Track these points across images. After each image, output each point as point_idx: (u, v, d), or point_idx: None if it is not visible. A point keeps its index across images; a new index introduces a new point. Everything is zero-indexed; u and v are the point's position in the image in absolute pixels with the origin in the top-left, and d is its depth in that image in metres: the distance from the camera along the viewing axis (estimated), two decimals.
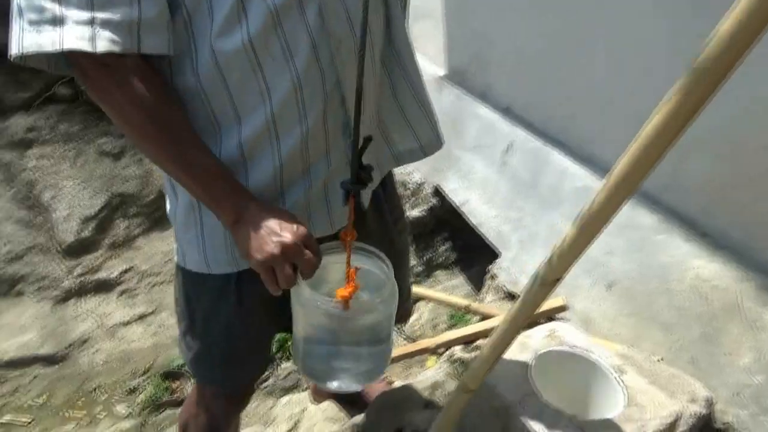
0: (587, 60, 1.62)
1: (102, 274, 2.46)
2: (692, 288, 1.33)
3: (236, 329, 1.03)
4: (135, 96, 0.74)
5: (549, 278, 0.67)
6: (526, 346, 1.23)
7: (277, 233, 0.73)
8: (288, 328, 1.12)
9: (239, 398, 1.23)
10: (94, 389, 2.17)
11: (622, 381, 1.14)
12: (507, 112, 2.04)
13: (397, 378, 1.96)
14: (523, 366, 1.18)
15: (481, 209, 2.12)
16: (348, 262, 0.79)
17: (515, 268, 1.92)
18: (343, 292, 0.75)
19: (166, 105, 0.77)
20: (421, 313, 2.30)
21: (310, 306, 0.77)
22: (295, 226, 0.74)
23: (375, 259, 0.84)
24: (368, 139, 0.75)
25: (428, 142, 1.07)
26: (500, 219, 2.02)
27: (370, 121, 0.98)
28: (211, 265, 0.93)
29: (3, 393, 2.16)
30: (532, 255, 1.87)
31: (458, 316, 2.20)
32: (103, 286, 2.46)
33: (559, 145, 1.79)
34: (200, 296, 1.02)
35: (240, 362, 1.10)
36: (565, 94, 1.74)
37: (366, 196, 1.00)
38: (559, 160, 1.78)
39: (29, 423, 2.06)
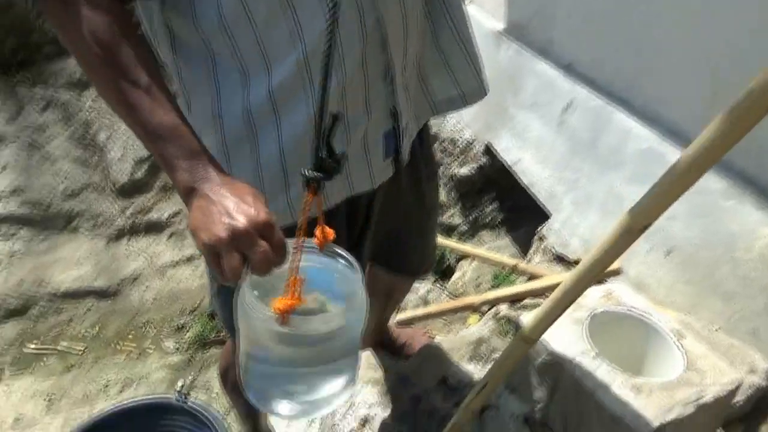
0: (660, 13, 1.52)
1: (153, 216, 2.52)
2: (761, 257, 1.27)
3: None
4: (93, 33, 0.67)
5: (638, 225, 0.64)
6: (580, 305, 1.20)
7: (230, 214, 0.62)
8: None
9: None
10: (144, 324, 2.25)
11: (682, 345, 1.11)
12: (569, 69, 1.96)
13: (439, 333, 1.96)
14: (578, 324, 1.15)
15: (534, 169, 2.07)
16: (295, 266, 0.63)
17: (566, 230, 1.88)
18: (278, 302, 0.61)
19: (128, 48, 0.68)
20: (464, 272, 2.28)
21: (248, 313, 0.65)
22: (254, 210, 0.63)
23: (347, 266, 0.70)
24: (336, 118, 0.62)
25: (471, 91, 1.01)
26: (554, 179, 1.97)
27: (413, 66, 0.93)
28: None
29: (59, 322, 2.26)
30: (585, 217, 1.82)
31: (502, 276, 2.18)
32: (154, 227, 2.52)
33: (624, 104, 1.72)
34: None
35: None
36: (634, 49, 1.66)
37: (405, 149, 0.96)
38: (623, 120, 1.70)
39: (83, 352, 2.16)
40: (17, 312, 2.24)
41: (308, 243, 0.69)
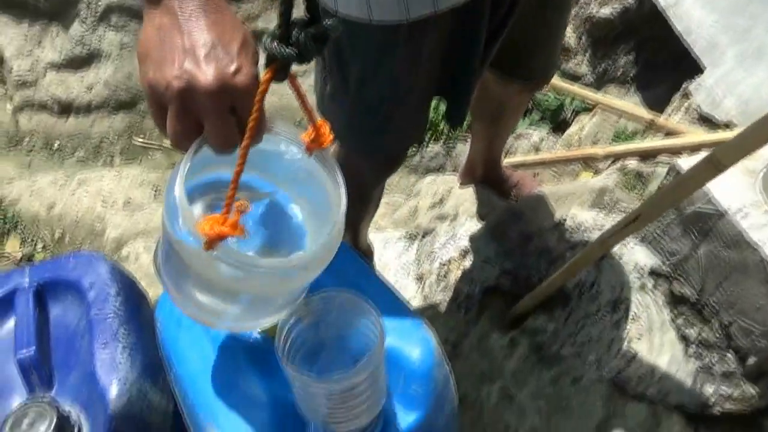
0: None
1: (259, 24, 2.42)
2: None
3: (399, 90, 0.89)
4: None
5: None
6: (754, 156, 1.03)
7: (197, 58, 0.43)
8: (446, 91, 0.97)
9: (390, 165, 1.13)
10: None
11: None
12: None
13: (549, 185, 1.84)
14: (750, 174, 1.00)
15: (694, 13, 1.76)
16: (235, 179, 0.45)
17: (721, 87, 1.63)
18: (206, 223, 0.44)
19: None
20: (582, 125, 2.09)
21: (168, 206, 0.48)
22: (235, 65, 0.43)
23: (334, 184, 0.52)
24: None
25: None
26: (719, 27, 1.68)
27: None
28: (374, 11, 0.75)
29: None
30: (750, 73, 1.56)
31: (626, 136, 1.98)
32: (261, 36, 2.43)
33: None
34: (357, 50, 0.85)
35: (397, 128, 0.97)
36: None
37: None
38: None
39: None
40: (126, 105, 2.28)
41: (294, 135, 0.51)
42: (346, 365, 0.54)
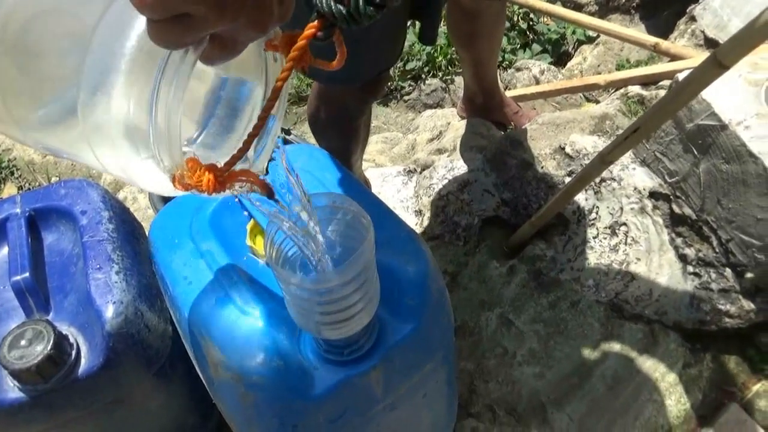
0: None
1: None
2: None
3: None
4: None
5: None
6: (758, 67, 1.00)
7: None
8: (418, 14, 0.94)
9: (369, 90, 1.08)
10: None
11: None
12: None
13: None
14: (755, 85, 0.97)
15: None
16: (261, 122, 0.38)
17: (728, 9, 1.57)
18: (196, 173, 0.35)
19: None
20: (583, 57, 2.04)
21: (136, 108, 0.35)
22: None
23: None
24: None
25: None
26: None
27: None
28: None
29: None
30: None
31: (629, 66, 1.93)
32: None
33: None
34: None
35: (366, 52, 0.92)
36: None
37: None
38: None
39: None
40: None
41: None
42: (336, 267, 0.53)
